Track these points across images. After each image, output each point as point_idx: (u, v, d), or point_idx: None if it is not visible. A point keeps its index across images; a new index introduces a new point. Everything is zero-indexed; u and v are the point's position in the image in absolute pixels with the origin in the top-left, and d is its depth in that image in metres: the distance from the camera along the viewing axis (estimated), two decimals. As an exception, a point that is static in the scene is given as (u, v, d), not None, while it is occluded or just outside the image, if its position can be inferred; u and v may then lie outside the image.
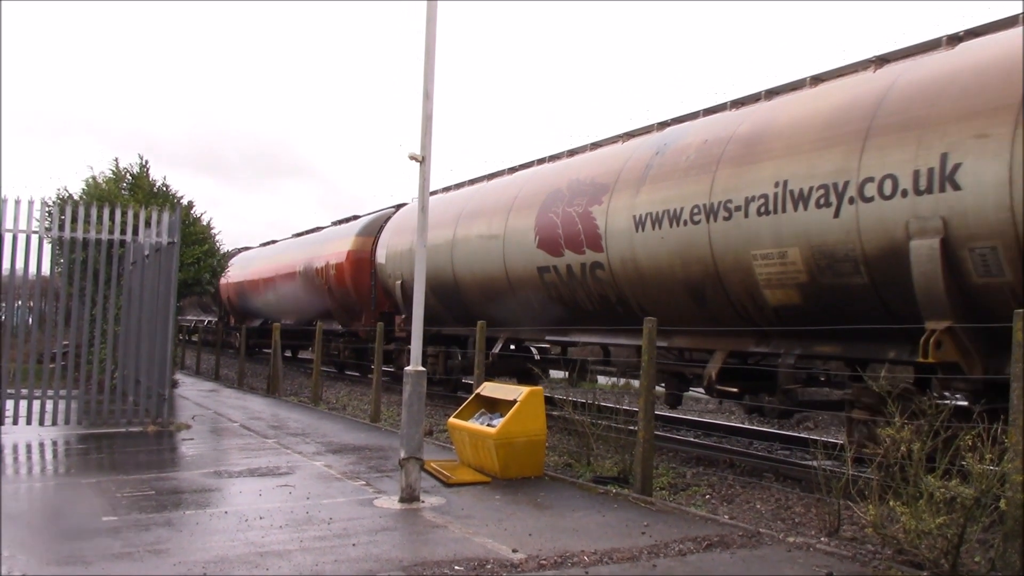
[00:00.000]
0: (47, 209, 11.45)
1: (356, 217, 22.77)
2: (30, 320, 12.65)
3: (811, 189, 8.22)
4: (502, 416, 8.52)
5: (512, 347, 15.48)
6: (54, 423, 11.22)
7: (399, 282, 17.48)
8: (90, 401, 11.57)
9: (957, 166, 6.99)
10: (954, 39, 8.29)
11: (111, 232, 11.45)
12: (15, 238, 10.79)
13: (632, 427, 8.62)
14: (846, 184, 7.88)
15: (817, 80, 9.64)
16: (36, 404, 11.13)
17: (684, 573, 5.26)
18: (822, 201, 8.10)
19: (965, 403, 7.31)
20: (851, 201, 7.82)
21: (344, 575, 5.06)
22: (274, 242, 30.20)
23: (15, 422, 10.95)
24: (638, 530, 6.33)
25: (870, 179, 7.65)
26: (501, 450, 8.15)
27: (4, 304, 12.23)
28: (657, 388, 10.32)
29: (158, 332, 11.62)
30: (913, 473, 5.66)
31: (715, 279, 9.39)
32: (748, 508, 7.68)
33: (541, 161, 14.79)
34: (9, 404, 11.05)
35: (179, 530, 6.09)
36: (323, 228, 25.12)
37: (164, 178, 18.37)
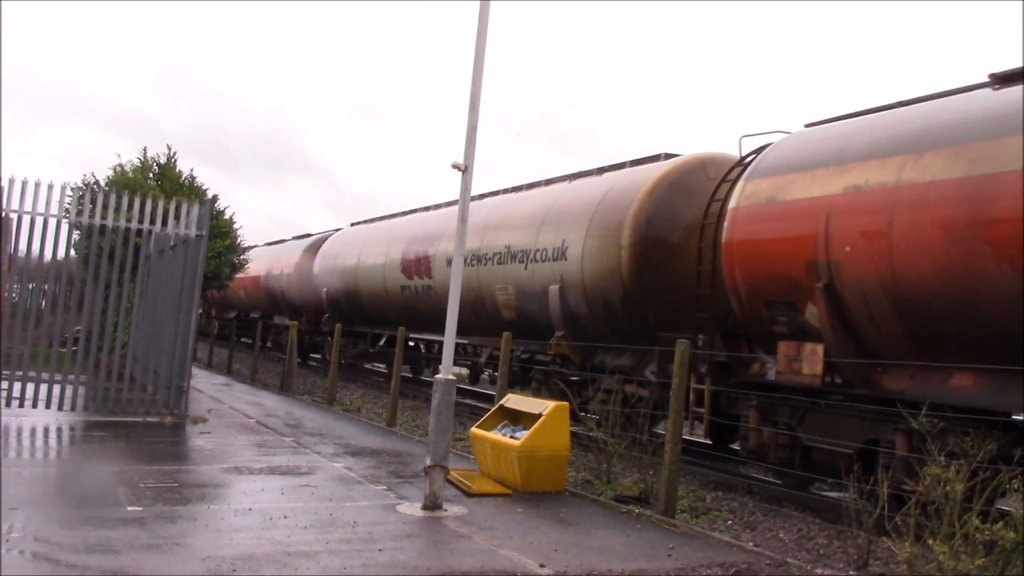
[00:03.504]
0: (79, 194, 11.50)
1: (308, 235, 28.83)
2: (43, 304, 12.62)
3: (519, 251, 13.89)
4: (525, 429, 8.48)
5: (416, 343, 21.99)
6: (72, 408, 11.21)
7: (325, 290, 23.21)
8: (109, 389, 11.56)
9: (567, 247, 12.62)
10: (603, 169, 13.92)
11: (140, 221, 11.42)
12: (45, 222, 10.84)
13: (656, 443, 8.57)
14: (530, 251, 13.55)
15: (549, 182, 15.34)
16: (56, 389, 11.13)
17: (714, 599, 5.21)
18: (521, 259, 13.77)
19: (575, 378, 12.43)
20: (532, 261, 13.45)
21: (374, 580, 5.02)
22: (254, 246, 34.46)
23: (34, 405, 10.95)
24: (664, 552, 6.28)
25: (539, 250, 13.33)
26: (524, 463, 8.10)
27: (18, 287, 12.21)
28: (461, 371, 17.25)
29: (180, 324, 11.59)
30: (949, 512, 5.60)
31: (481, 302, 14.85)
32: (771, 536, 7.61)
33: (425, 209, 20.36)
34: (30, 387, 11.04)
35: (205, 524, 6.08)
36: (285, 241, 31.53)
37: (191, 170, 18.45)
